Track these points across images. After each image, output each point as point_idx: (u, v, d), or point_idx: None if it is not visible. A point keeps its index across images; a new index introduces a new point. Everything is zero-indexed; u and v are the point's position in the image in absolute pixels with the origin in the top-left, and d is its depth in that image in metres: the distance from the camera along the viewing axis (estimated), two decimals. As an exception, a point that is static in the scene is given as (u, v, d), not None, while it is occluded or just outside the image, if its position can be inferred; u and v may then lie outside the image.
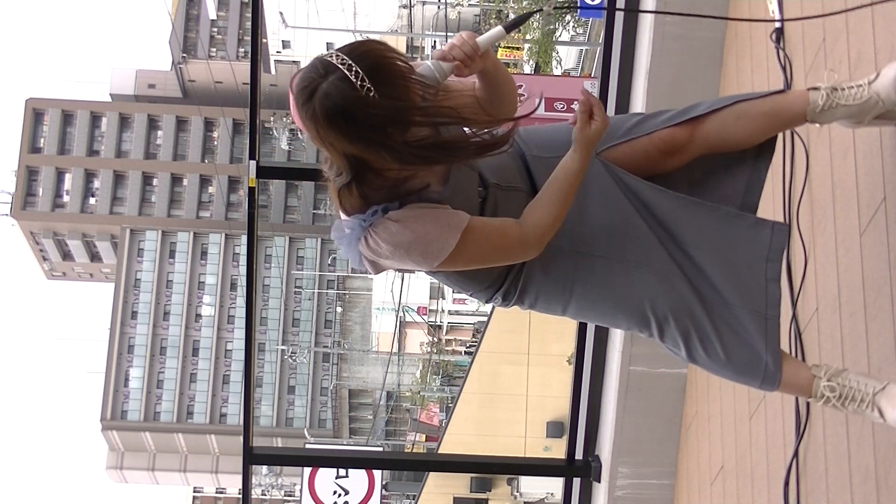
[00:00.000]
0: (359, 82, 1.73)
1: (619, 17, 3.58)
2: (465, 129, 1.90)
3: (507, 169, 2.06)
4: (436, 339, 37.27)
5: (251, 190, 3.53)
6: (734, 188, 2.18)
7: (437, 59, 1.88)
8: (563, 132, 2.16)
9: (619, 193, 2.09)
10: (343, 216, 1.92)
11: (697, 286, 2.08)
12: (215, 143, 55.98)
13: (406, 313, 33.51)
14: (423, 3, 35.20)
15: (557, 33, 22.64)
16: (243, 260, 3.95)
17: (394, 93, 1.75)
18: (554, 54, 22.86)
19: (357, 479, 10.93)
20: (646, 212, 2.09)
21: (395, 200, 1.89)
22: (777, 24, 3.11)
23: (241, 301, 48.25)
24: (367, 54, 1.76)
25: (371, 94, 1.73)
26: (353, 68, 1.73)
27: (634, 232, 2.07)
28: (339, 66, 1.74)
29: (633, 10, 3.61)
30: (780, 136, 2.28)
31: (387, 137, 1.77)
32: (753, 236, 2.10)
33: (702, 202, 2.11)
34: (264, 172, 3.54)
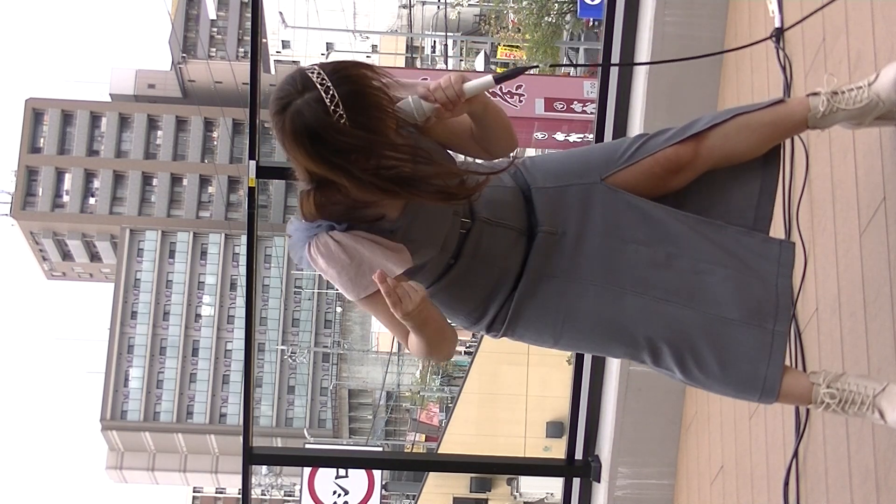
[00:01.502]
0: (332, 107, 1.73)
1: (619, 16, 3.58)
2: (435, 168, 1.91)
3: (501, 204, 2.06)
4: (436, 339, 37.20)
5: (251, 190, 3.53)
6: (746, 201, 2.18)
7: (418, 98, 1.86)
8: (572, 159, 2.16)
9: (622, 217, 2.09)
10: (300, 218, 1.95)
11: (697, 304, 2.06)
12: (215, 143, 56.02)
13: (406, 313, 33.45)
14: (423, 3, 35.23)
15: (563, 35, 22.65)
16: (243, 260, 3.94)
17: (367, 123, 1.75)
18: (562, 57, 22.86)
19: (357, 479, 10.94)
20: (651, 232, 2.08)
21: (346, 222, 1.90)
22: (777, 24, 3.12)
23: (240, 301, 48.26)
24: (348, 79, 1.75)
25: (342, 122, 1.73)
26: (331, 91, 1.73)
27: (633, 257, 2.07)
28: (318, 85, 1.73)
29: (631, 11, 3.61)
30: (782, 148, 2.27)
31: (349, 164, 1.77)
32: (763, 253, 2.11)
33: (710, 221, 2.11)
34: (264, 172, 3.53)
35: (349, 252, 1.89)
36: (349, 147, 1.75)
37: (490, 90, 1.89)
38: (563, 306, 2.08)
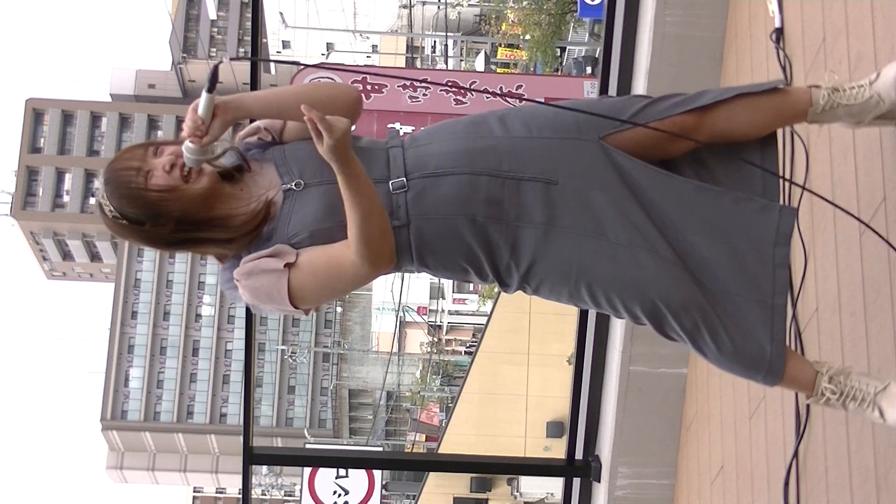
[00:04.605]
0: (111, 215, 2.02)
1: (619, 17, 3.58)
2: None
3: (447, 153, 2.06)
4: (436, 339, 37.28)
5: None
6: (751, 179, 2.16)
7: (185, 145, 1.98)
8: (564, 113, 2.12)
9: (618, 179, 2.05)
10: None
11: (699, 276, 2.05)
12: (215, 143, 55.91)
13: (406, 313, 33.52)
14: (423, 3, 35.22)
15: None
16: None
17: (136, 209, 2.00)
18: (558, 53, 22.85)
19: (357, 479, 10.94)
20: (643, 198, 2.05)
21: (231, 254, 2.08)
22: (777, 24, 3.12)
23: (241, 301, 48.12)
24: (111, 191, 2.00)
25: (119, 220, 2.01)
26: (104, 198, 2.02)
27: (635, 218, 2.04)
28: (101, 201, 2.03)
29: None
30: (780, 135, 2.27)
31: (150, 237, 2.06)
32: (761, 220, 2.07)
33: (708, 186, 2.08)
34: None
35: (249, 285, 2.05)
36: (132, 232, 2.04)
37: (216, 99, 1.97)
38: (577, 259, 2.03)
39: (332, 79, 9.92)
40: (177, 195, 2.00)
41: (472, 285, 29.81)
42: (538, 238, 2.04)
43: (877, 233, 2.19)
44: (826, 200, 2.22)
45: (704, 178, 2.14)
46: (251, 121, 2.23)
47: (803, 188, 2.31)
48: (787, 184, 2.91)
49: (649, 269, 2.02)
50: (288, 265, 2.01)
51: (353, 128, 2.12)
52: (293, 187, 2.05)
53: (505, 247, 2.05)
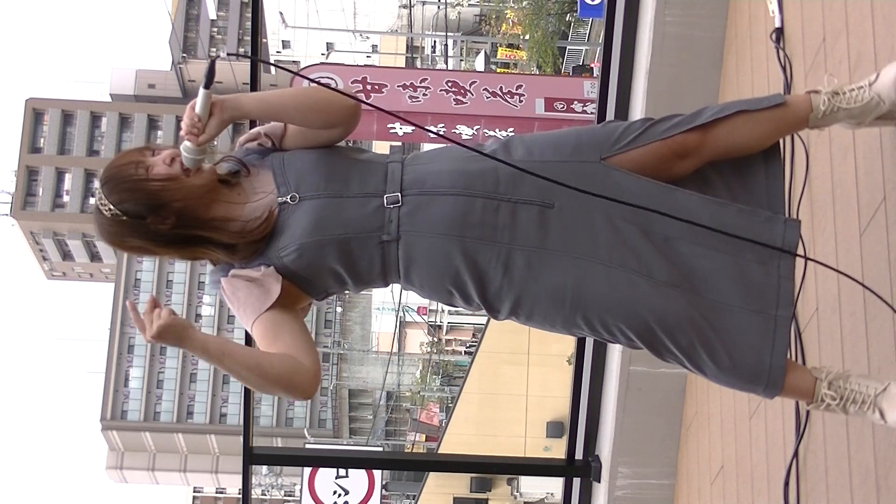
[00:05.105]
0: (109, 214, 2.02)
1: (619, 17, 3.58)
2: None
3: (446, 173, 2.06)
4: (436, 339, 37.27)
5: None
6: (754, 184, 2.17)
7: (183, 144, 2.01)
8: (565, 138, 2.14)
9: (621, 197, 2.07)
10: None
11: (700, 289, 2.05)
12: (215, 143, 55.86)
13: (406, 313, 33.51)
14: (423, 3, 35.21)
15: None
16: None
17: (136, 202, 2.00)
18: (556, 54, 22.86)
19: (357, 479, 10.96)
20: (644, 215, 2.05)
21: (228, 264, 2.10)
22: (777, 24, 3.12)
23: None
24: (111, 187, 2.01)
25: (116, 217, 2.02)
26: (102, 199, 2.02)
27: (633, 239, 2.04)
28: (99, 203, 2.04)
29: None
30: (781, 140, 2.27)
31: (150, 236, 2.05)
32: (766, 232, 2.07)
33: (713, 199, 2.09)
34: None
35: (233, 296, 2.09)
36: (133, 230, 2.03)
37: (212, 96, 1.98)
38: (572, 281, 2.03)
39: (333, 79, 9.94)
40: (178, 185, 2.01)
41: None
42: (532, 261, 2.03)
43: (851, 277, 2.19)
44: (811, 260, 2.22)
45: (709, 194, 2.14)
46: (251, 125, 2.24)
47: (806, 258, 2.27)
48: (788, 187, 2.91)
49: (643, 290, 2.02)
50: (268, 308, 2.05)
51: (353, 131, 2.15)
52: (288, 201, 2.06)
53: (497, 268, 2.04)
